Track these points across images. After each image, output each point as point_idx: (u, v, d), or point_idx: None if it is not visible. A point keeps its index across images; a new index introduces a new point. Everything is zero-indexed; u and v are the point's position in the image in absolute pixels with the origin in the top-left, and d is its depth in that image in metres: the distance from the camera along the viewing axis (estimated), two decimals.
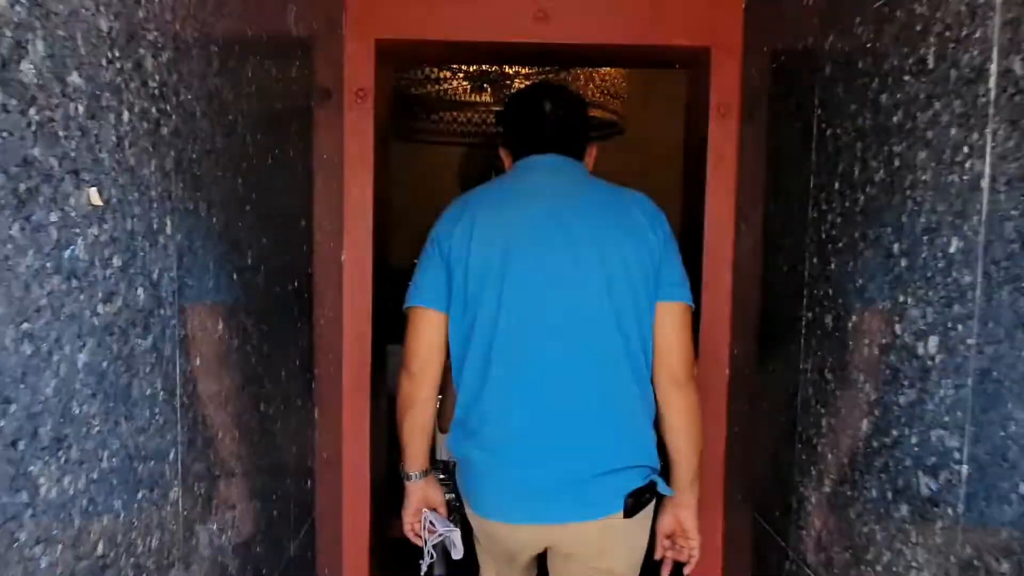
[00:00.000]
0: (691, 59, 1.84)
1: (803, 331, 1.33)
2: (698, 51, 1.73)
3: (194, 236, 0.83)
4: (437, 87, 4.31)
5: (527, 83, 4.38)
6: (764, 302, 1.59)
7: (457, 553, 1.38)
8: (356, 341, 1.72)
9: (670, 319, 1.30)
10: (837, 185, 1.20)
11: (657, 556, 1.41)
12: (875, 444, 1.06)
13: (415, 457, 1.40)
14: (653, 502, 1.35)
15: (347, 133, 1.68)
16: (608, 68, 4.34)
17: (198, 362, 0.88)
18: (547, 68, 4.21)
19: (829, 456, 1.24)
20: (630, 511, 1.27)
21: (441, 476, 1.58)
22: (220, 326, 0.96)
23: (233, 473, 1.01)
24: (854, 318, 1.14)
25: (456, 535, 1.38)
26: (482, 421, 1.29)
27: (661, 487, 1.34)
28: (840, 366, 1.18)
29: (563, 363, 1.26)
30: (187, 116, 0.84)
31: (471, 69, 4.29)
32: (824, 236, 1.24)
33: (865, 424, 1.11)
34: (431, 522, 1.37)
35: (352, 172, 1.71)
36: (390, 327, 1.82)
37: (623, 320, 1.26)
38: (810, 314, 1.31)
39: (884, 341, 1.05)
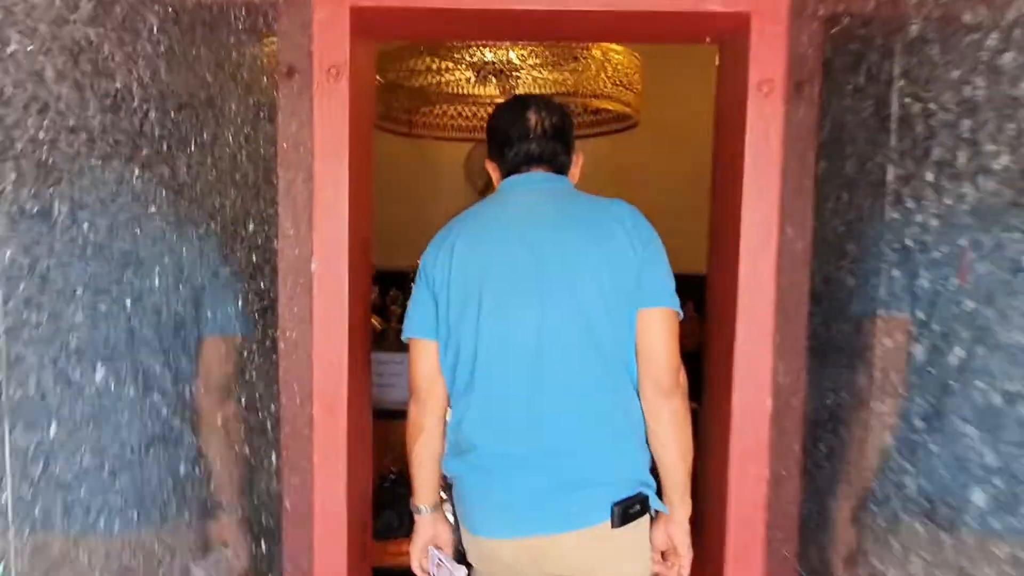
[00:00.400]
0: (725, 29, 1.57)
1: (877, 364, 1.05)
2: (734, 18, 1.46)
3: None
4: (438, 78, 4.04)
5: (535, 74, 4.12)
6: (819, 322, 1.32)
7: None
8: (329, 369, 1.46)
9: (652, 325, 1.28)
10: (931, 176, 0.92)
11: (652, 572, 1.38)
12: (997, 525, 0.79)
13: (424, 488, 1.41)
14: (648, 521, 1.32)
15: (317, 119, 1.41)
16: (621, 55, 4.06)
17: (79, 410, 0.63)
18: (555, 59, 3.94)
19: (905, 519, 0.96)
20: (618, 520, 1.24)
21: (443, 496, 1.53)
22: (109, 370, 0.70)
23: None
24: (959, 352, 0.87)
25: (462, 573, 1.38)
26: (469, 442, 1.33)
27: (654, 502, 1.31)
28: (938, 414, 0.90)
29: (540, 385, 1.28)
30: (112, 98, 0.59)
31: (473, 59, 4.02)
32: (912, 243, 0.96)
33: (977, 493, 0.83)
34: (440, 560, 1.38)
35: (324, 165, 1.44)
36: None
37: (600, 338, 1.27)
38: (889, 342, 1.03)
39: (1011, 388, 0.77)
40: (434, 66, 4.13)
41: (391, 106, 4.44)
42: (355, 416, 1.64)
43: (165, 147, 0.80)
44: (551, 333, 1.26)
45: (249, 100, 1.08)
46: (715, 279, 1.72)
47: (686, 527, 1.33)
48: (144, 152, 0.76)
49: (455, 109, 5.32)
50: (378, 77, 4.46)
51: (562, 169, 1.44)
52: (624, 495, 1.25)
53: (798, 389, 1.40)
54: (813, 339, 1.32)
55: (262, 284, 1.16)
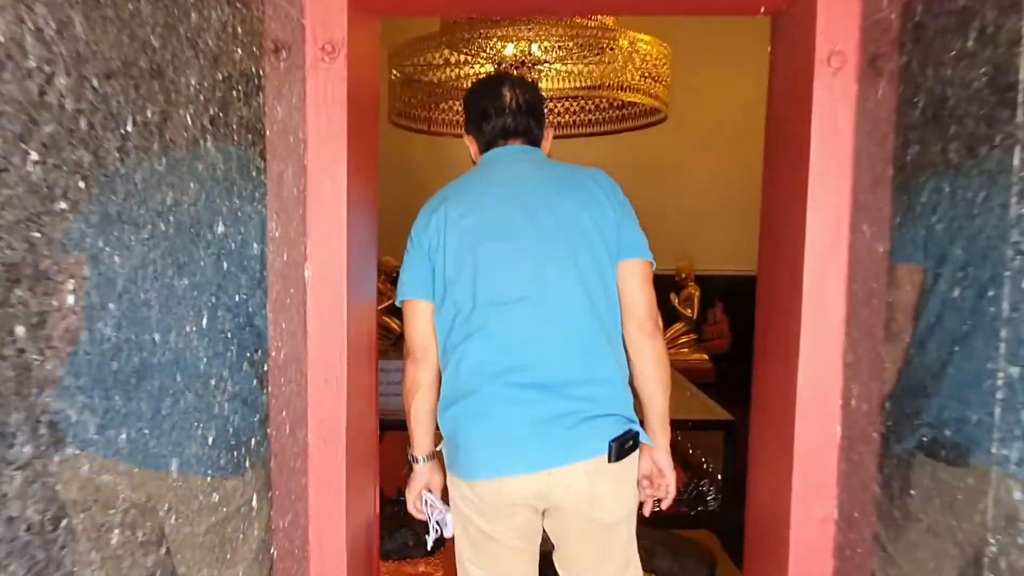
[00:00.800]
0: None
1: (1000, 400, 0.83)
2: None
3: None
4: (457, 72, 3.85)
5: (557, 67, 3.91)
6: (904, 340, 1.09)
7: (449, 531, 1.53)
8: (326, 390, 1.26)
9: (634, 275, 1.41)
10: None
11: (641, 499, 1.50)
12: None
13: (421, 440, 1.49)
14: (637, 453, 1.43)
15: (310, 103, 1.22)
16: (650, 45, 3.84)
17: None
18: (580, 51, 3.72)
19: None
20: (615, 455, 1.35)
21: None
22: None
23: None
24: None
25: (449, 513, 1.52)
26: (468, 387, 1.37)
27: (642, 436, 1.42)
28: None
29: (537, 329, 1.36)
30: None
31: (493, 52, 3.82)
32: None
33: None
34: (431, 502, 1.53)
35: (318, 157, 1.25)
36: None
37: (589, 285, 1.37)
38: (1016, 371, 0.81)
39: None
40: (452, 59, 3.94)
41: (409, 102, 4.26)
42: (357, 442, 1.45)
43: (83, 125, 0.61)
44: (548, 283, 1.36)
45: (218, 75, 0.89)
46: (770, 286, 1.49)
47: (668, 451, 1.48)
48: (46, 130, 0.58)
49: None
50: (394, 72, 4.29)
51: (536, 142, 1.55)
52: (618, 431, 1.36)
53: (876, 418, 1.18)
54: (901, 366, 1.10)
55: (236, 296, 0.97)
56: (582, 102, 5.03)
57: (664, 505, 1.52)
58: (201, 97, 0.82)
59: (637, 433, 1.40)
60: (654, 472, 1.48)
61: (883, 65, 1.16)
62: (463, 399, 1.37)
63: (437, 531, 1.57)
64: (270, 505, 1.14)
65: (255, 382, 1.09)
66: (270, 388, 1.15)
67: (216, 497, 0.96)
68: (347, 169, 1.25)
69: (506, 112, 1.49)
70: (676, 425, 3.29)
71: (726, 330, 6.17)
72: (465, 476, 1.38)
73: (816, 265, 1.27)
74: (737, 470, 2.95)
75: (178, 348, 0.77)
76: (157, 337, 0.72)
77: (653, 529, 2.76)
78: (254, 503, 1.05)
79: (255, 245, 1.03)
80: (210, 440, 0.91)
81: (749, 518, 1.76)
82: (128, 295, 0.69)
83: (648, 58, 3.83)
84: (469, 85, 3.94)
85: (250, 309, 0.99)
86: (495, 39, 3.70)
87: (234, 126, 0.95)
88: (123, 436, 0.78)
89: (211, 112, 0.86)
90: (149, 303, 0.71)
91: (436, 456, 1.53)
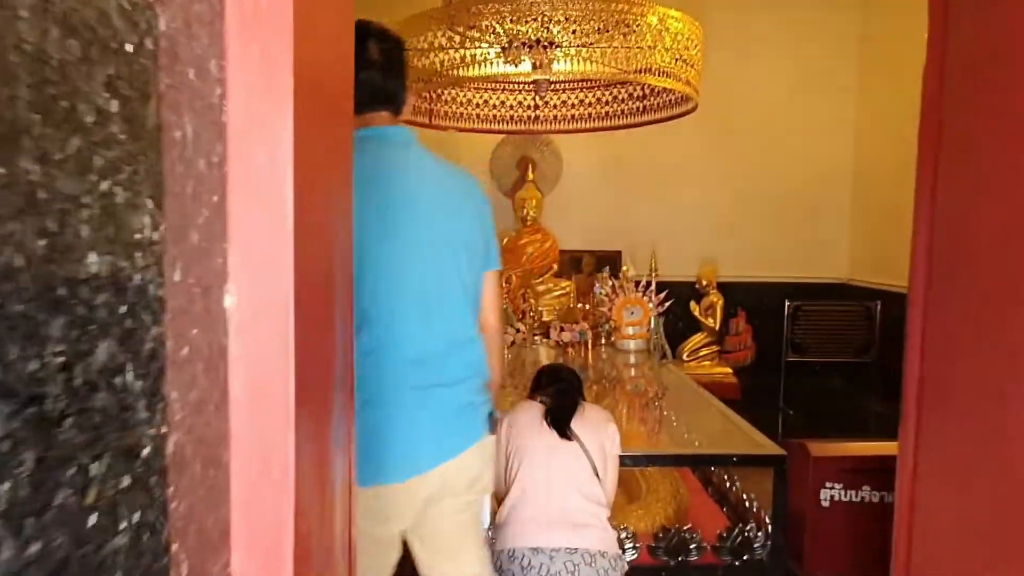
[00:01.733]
0: None
1: None
2: None
3: None
4: (461, 52, 3.37)
5: (575, 49, 3.43)
6: None
7: None
8: (260, 489, 0.77)
9: (493, 283, 1.65)
10: None
11: None
12: None
13: None
14: None
15: (230, 13, 0.73)
16: (681, 22, 3.36)
17: None
18: (603, 27, 3.25)
19: None
20: (492, 427, 1.60)
21: None
22: None
23: None
24: None
25: None
26: (362, 387, 1.46)
27: (495, 411, 1.65)
28: None
29: (427, 331, 1.49)
30: None
31: (504, 26, 3.34)
32: None
33: None
34: None
35: (246, 108, 0.76)
36: None
37: (468, 291, 1.56)
38: None
39: None
40: (456, 39, 3.47)
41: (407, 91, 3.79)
42: (313, 560, 0.96)
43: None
44: (435, 285, 1.48)
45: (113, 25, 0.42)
46: (944, 303, 1.02)
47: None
48: None
49: (481, 97, 4.66)
50: None
51: (401, 108, 1.56)
52: (489, 408, 1.60)
53: None
54: None
55: (72, 338, 0.49)
56: (599, 93, 4.55)
57: None
58: (103, 61, 0.36)
59: (493, 407, 1.67)
60: None
61: None
62: (367, 398, 1.48)
63: None
64: None
65: (138, 493, 0.60)
66: (172, 487, 0.67)
67: None
68: (295, 130, 0.75)
69: (372, 76, 1.47)
70: (716, 461, 2.86)
71: (749, 341, 5.70)
72: (369, 483, 1.47)
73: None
74: (790, 512, 2.53)
75: None
76: None
77: None
78: None
79: (137, 254, 0.55)
80: None
81: None
82: None
83: (679, 38, 3.36)
84: (477, 72, 3.46)
85: (119, 360, 0.52)
86: (506, 15, 3.23)
87: (135, 89, 0.48)
88: None
89: (107, 76, 0.39)
90: None
91: None
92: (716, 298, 5.53)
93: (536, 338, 4.35)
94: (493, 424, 1.61)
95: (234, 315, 0.75)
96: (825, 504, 2.73)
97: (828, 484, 2.71)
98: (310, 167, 0.81)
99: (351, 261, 1.06)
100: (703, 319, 5.55)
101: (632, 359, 4.15)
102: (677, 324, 5.45)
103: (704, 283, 5.58)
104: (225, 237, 0.74)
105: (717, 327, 5.52)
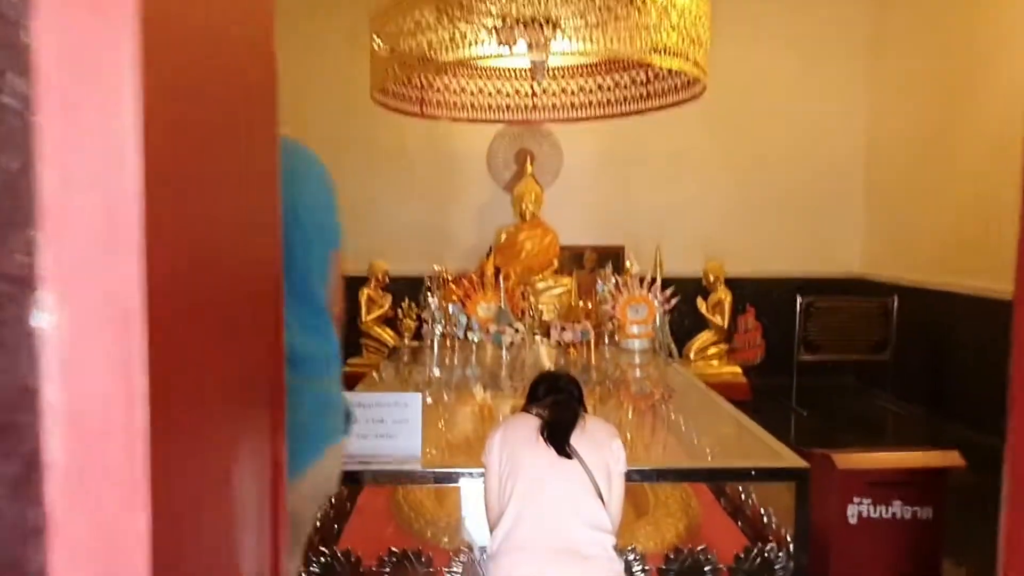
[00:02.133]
0: None
1: None
2: None
3: None
4: (452, 31, 3.11)
5: (574, 28, 3.18)
6: None
7: None
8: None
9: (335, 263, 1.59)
10: None
11: None
12: None
13: None
14: None
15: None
16: (687, 0, 3.11)
17: None
18: (606, 2, 2.99)
19: None
20: (351, 424, 1.52)
21: None
22: None
23: None
24: None
25: None
26: None
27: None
28: None
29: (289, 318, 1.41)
30: None
31: (497, 8, 3.08)
32: None
33: None
34: None
35: (63, 31, 0.52)
36: None
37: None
38: None
39: None
40: (445, 20, 3.22)
41: (396, 76, 3.54)
42: None
43: None
44: (300, 270, 1.45)
45: None
46: None
47: None
48: None
49: (475, 84, 4.41)
50: (377, 40, 3.57)
51: None
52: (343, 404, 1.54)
53: None
54: None
55: None
56: (599, 78, 4.30)
57: None
58: None
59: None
60: None
61: None
62: None
63: None
64: None
65: None
66: None
67: None
68: (144, 89, 0.50)
69: None
70: (733, 476, 2.62)
71: (759, 339, 5.45)
72: None
73: None
74: (814, 530, 2.30)
75: None
76: None
77: None
78: None
79: None
80: None
81: None
82: None
83: (686, 14, 3.11)
84: (469, 53, 3.20)
85: None
86: None
87: None
88: None
89: None
90: None
91: None
92: (724, 294, 5.28)
93: (536, 338, 4.10)
94: (349, 418, 1.54)
95: (50, 338, 0.50)
96: (852, 521, 2.49)
97: (856, 499, 2.46)
98: (177, 122, 0.56)
99: (278, 251, 0.82)
100: (710, 316, 5.30)
101: (637, 359, 3.91)
102: (683, 322, 5.20)
103: (711, 278, 5.34)
104: (32, 222, 0.49)
105: (725, 325, 5.27)
